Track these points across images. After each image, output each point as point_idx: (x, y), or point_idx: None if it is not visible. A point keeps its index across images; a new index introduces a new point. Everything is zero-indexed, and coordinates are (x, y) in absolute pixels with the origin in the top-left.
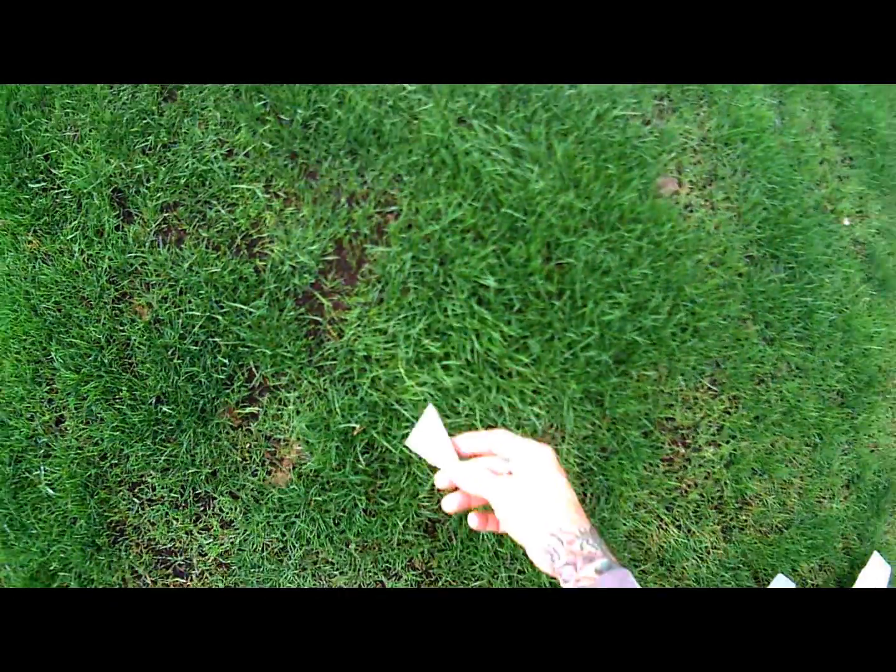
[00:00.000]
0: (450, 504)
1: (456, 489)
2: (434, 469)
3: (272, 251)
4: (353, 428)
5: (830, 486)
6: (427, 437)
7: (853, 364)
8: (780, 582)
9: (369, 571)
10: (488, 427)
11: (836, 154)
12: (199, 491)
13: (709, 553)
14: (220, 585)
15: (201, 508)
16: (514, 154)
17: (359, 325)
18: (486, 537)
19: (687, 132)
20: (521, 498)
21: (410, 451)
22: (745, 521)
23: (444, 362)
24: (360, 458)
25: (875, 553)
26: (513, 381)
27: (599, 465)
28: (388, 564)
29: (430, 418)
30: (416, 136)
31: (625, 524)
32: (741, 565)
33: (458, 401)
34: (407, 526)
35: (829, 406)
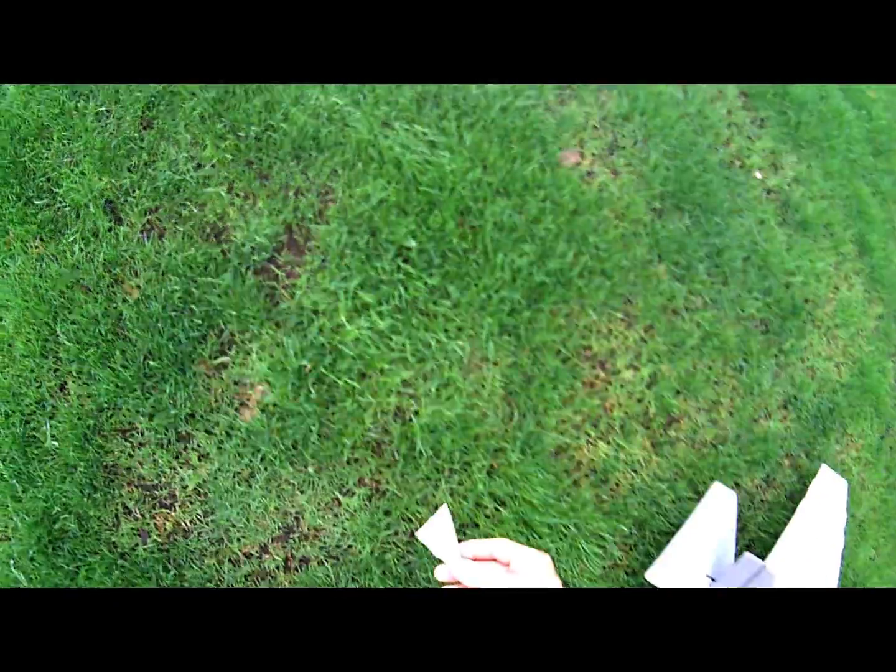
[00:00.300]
0: None
1: (453, 583)
2: (438, 561)
3: (235, 237)
4: (305, 366)
5: (764, 405)
6: (437, 532)
7: (774, 295)
8: (718, 489)
9: (325, 489)
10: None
11: (746, 117)
12: (181, 430)
13: (642, 466)
14: (199, 512)
15: (182, 446)
16: (430, 146)
17: (307, 287)
18: (423, 451)
19: (588, 114)
20: None
21: (420, 541)
22: (676, 436)
23: (378, 309)
24: (312, 390)
25: (823, 466)
26: (437, 321)
27: (523, 388)
28: (341, 482)
29: (443, 516)
30: (348, 139)
31: (552, 439)
32: (676, 477)
33: (390, 338)
34: (356, 446)
35: (751, 333)
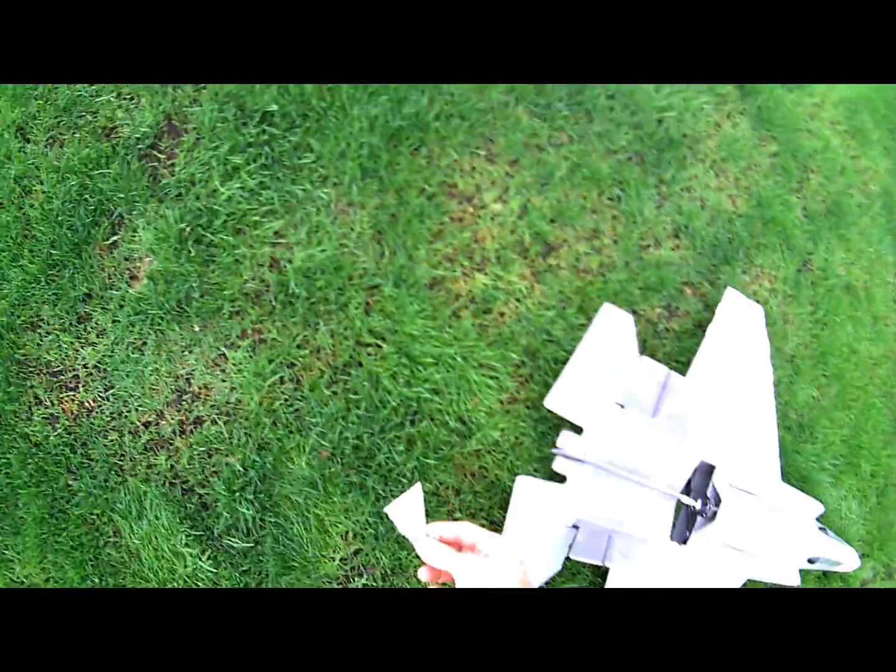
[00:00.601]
0: (423, 575)
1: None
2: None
3: (123, 133)
4: (184, 229)
5: (652, 234)
6: (406, 509)
7: (645, 129)
8: (609, 310)
9: (211, 346)
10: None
11: None
12: (80, 311)
13: (525, 295)
14: (100, 388)
15: (82, 327)
16: None
17: (185, 163)
18: (298, 293)
19: None
20: (481, 575)
21: (388, 517)
22: (556, 265)
23: (247, 169)
24: (192, 250)
25: (729, 289)
26: (302, 173)
27: (391, 226)
28: (225, 336)
29: (415, 495)
30: None
31: (425, 272)
32: (564, 305)
33: (260, 194)
34: (235, 299)
35: (624, 165)
